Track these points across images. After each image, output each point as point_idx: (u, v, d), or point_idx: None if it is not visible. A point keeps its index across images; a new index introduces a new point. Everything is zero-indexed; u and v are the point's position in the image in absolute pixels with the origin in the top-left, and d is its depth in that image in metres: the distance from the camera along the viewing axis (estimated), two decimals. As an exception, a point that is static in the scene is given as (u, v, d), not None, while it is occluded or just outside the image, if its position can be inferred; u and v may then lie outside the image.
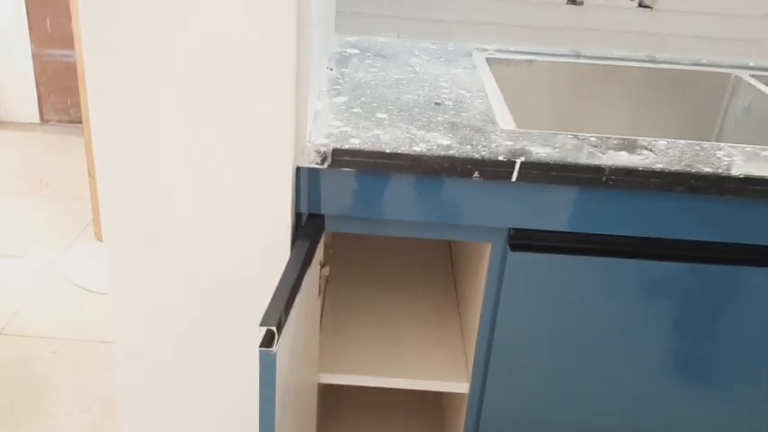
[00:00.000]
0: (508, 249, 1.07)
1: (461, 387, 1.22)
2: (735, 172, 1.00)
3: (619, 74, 1.52)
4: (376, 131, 1.06)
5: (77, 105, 3.28)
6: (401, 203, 1.04)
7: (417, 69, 1.37)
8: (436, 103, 1.19)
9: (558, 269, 1.08)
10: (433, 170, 1.00)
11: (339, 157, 1.00)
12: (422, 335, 1.33)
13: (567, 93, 1.54)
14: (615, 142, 1.08)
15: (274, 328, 0.80)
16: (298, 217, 1.06)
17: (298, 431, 1.03)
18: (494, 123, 1.13)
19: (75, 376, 1.83)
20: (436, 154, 1.00)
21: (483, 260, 1.13)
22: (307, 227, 1.05)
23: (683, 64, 1.53)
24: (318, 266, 1.10)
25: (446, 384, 1.22)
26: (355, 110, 1.14)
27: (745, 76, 1.49)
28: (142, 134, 0.96)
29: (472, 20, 1.55)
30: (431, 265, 1.56)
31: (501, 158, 1.00)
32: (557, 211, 1.04)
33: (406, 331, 1.33)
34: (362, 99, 1.19)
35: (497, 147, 1.03)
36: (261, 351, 0.80)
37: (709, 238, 1.06)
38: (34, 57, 3.25)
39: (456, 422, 1.33)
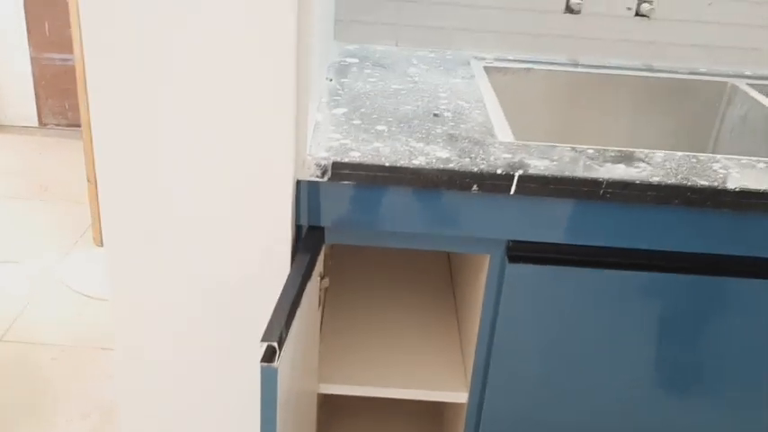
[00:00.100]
0: (507, 261, 1.08)
1: (460, 397, 1.22)
2: (730, 185, 1.01)
3: (616, 82, 1.52)
4: (376, 144, 1.06)
5: (76, 109, 3.28)
6: (401, 216, 1.05)
7: (416, 79, 1.38)
8: (435, 115, 1.20)
9: (556, 280, 1.09)
10: (433, 183, 1.01)
11: (339, 171, 1.01)
12: (421, 345, 1.33)
13: (565, 101, 1.54)
14: (612, 155, 1.09)
15: (275, 344, 0.81)
16: (298, 229, 1.06)
17: (298, 442, 1.04)
18: (492, 135, 1.13)
19: (75, 383, 1.83)
20: (435, 167, 1.00)
21: (482, 272, 1.14)
22: (307, 239, 1.06)
23: (681, 73, 1.53)
24: (318, 278, 1.11)
25: (445, 394, 1.23)
26: (355, 121, 1.15)
27: (742, 85, 1.50)
28: (143, 135, 0.96)
29: (471, 27, 1.56)
30: (430, 276, 1.56)
31: (499, 172, 1.00)
32: (555, 223, 1.05)
33: (406, 341, 1.34)
34: (362, 110, 1.19)
35: (496, 160, 1.04)
36: (262, 366, 0.80)
37: (706, 250, 1.07)
38: (33, 60, 3.25)
39: (455, 429, 1.34)
